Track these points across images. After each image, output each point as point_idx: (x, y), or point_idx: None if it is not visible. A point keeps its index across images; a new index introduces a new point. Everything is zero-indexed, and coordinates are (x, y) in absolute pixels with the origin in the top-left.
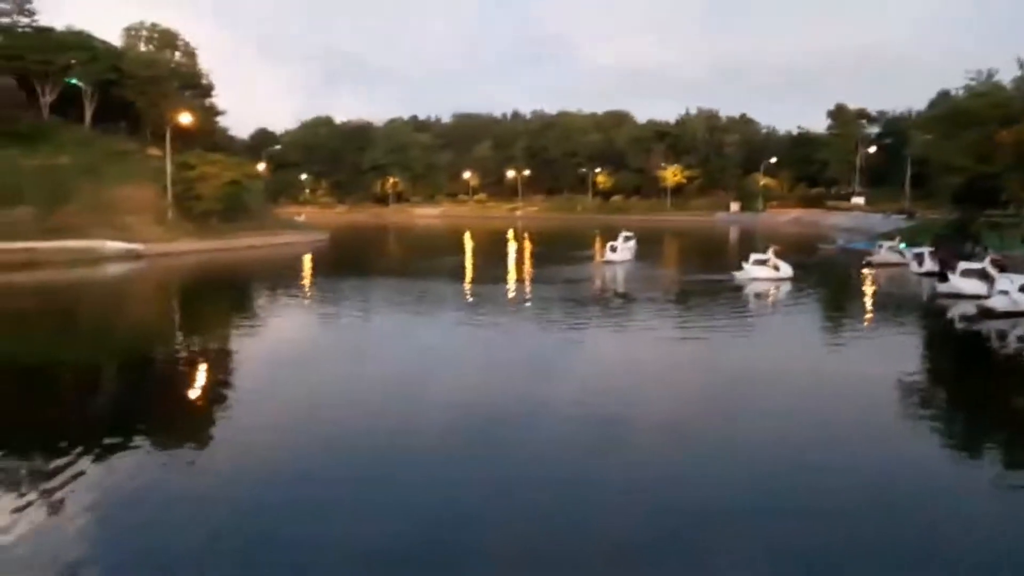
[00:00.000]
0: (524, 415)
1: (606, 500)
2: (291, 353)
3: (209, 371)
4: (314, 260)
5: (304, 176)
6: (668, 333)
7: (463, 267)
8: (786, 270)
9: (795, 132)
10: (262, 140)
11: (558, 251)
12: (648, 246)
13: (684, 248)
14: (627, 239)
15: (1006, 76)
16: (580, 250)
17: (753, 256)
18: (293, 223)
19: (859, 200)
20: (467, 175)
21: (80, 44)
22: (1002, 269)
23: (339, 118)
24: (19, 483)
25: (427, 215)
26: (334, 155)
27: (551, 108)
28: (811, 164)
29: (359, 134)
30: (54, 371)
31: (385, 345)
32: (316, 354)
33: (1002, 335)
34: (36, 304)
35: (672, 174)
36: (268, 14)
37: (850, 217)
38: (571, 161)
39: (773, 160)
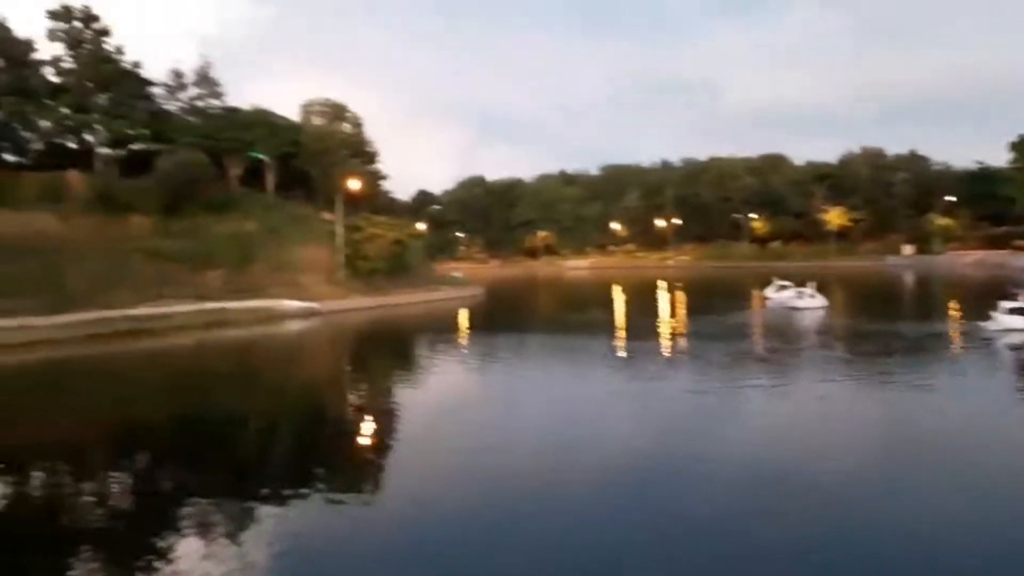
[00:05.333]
0: (681, 472)
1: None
2: (451, 404)
3: (379, 420)
4: (470, 314)
5: (460, 234)
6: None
7: (615, 319)
8: None
9: (973, 167)
10: (422, 201)
11: (715, 300)
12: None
13: (864, 295)
14: (782, 287)
15: None
16: (740, 299)
17: (1006, 303)
18: (451, 279)
19: None
20: (616, 226)
21: (263, 121)
22: None
23: (491, 176)
24: (210, 527)
25: (577, 267)
26: (486, 212)
27: (701, 154)
28: (993, 201)
29: (509, 191)
30: (242, 421)
31: (540, 397)
32: (474, 405)
33: None
34: (227, 360)
35: (835, 217)
36: (427, 81)
37: None
38: (724, 207)
39: (950, 198)
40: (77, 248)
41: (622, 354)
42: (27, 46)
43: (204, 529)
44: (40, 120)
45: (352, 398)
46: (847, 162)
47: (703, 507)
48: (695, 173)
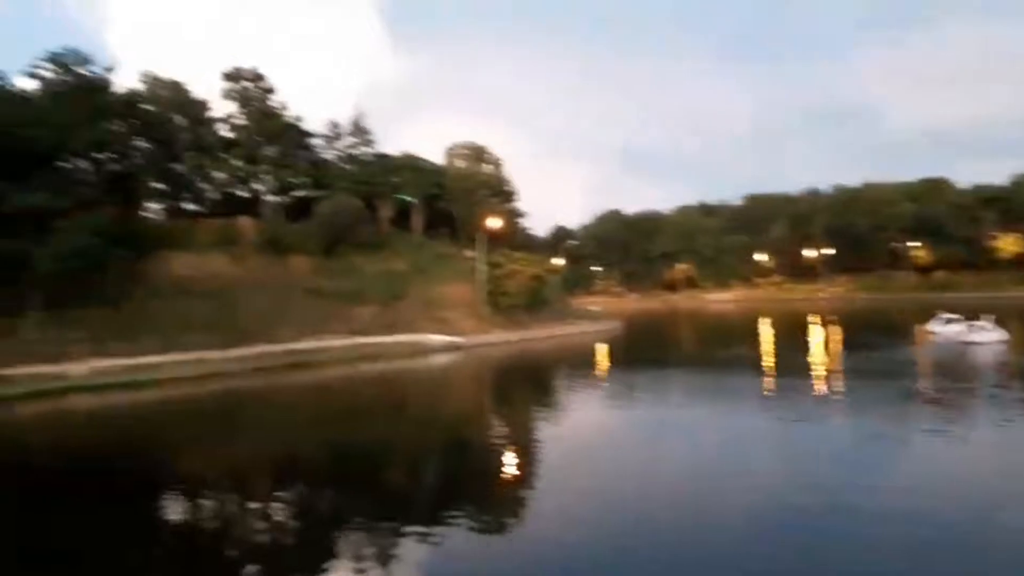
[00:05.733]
0: (831, 527)
1: None
2: (592, 440)
3: (521, 453)
4: (608, 348)
5: (597, 267)
6: None
7: (762, 356)
8: None
9: None
10: (559, 236)
11: (875, 335)
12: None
13: None
14: (949, 321)
15: None
16: (902, 333)
17: None
18: (588, 313)
19: None
20: (761, 257)
21: (410, 166)
22: None
23: (629, 209)
24: (361, 552)
25: (719, 300)
26: (624, 246)
27: (853, 180)
28: None
29: (647, 224)
30: (393, 450)
31: (682, 436)
32: (615, 442)
33: None
34: (378, 391)
35: (1008, 244)
36: (567, 119)
37: None
38: (880, 236)
39: None
40: (247, 287)
41: (771, 393)
42: (203, 106)
43: (356, 553)
44: (216, 172)
45: (494, 430)
46: (1020, 184)
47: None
48: (847, 201)
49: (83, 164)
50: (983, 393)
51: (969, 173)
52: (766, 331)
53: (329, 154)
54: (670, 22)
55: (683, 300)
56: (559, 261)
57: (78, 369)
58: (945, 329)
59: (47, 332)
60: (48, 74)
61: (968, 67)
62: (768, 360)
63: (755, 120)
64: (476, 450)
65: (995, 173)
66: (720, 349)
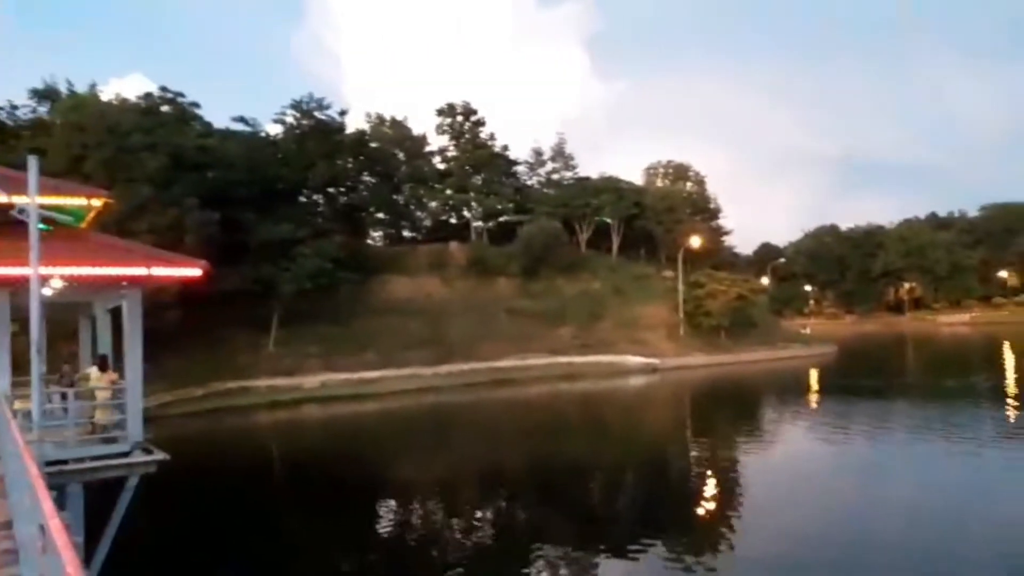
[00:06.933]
0: None
1: None
2: (794, 474)
3: (718, 483)
4: (820, 375)
5: (808, 287)
6: None
7: (1004, 386)
8: None
9: None
10: (765, 254)
11: None
12: None
13: None
14: None
15: None
16: None
17: None
18: (798, 336)
19: None
20: (1003, 274)
21: (609, 187)
22: None
23: (846, 224)
24: (556, 569)
25: (953, 322)
26: (840, 263)
27: None
28: None
29: (868, 239)
30: (588, 469)
31: (901, 478)
32: (820, 478)
33: None
34: (576, 410)
35: None
36: (773, 131)
37: None
38: None
39: None
40: (455, 308)
41: (1011, 431)
42: (421, 141)
43: (552, 570)
44: (430, 201)
45: (690, 457)
46: None
47: None
48: None
49: (318, 198)
50: None
51: None
52: (1009, 358)
53: (532, 180)
54: (907, 17)
55: (909, 322)
56: (765, 280)
57: (310, 382)
58: None
59: (285, 348)
60: (291, 119)
61: None
62: (1011, 392)
63: (994, 123)
64: (671, 475)
65: None
66: (951, 378)
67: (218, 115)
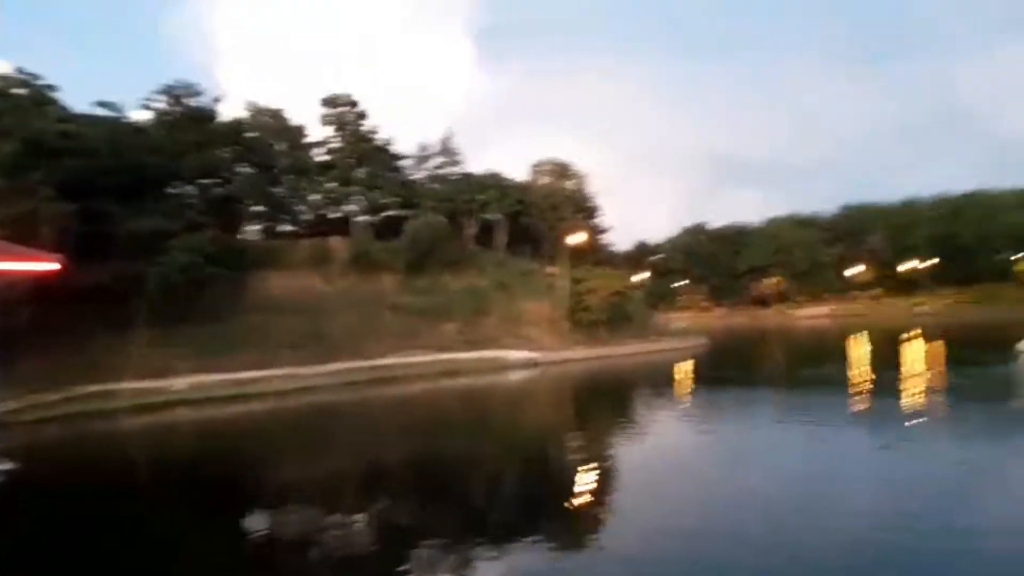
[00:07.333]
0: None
1: None
2: (671, 460)
3: (597, 473)
4: (692, 366)
5: (684, 282)
6: None
7: (855, 374)
8: None
9: None
10: (643, 251)
11: (983, 352)
12: None
13: None
14: None
15: None
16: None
17: None
18: (673, 329)
19: None
20: (858, 270)
21: (494, 184)
22: None
23: (718, 222)
24: (435, 567)
25: (814, 315)
26: (711, 259)
27: (963, 189)
28: None
29: (736, 237)
30: (462, 464)
31: (766, 457)
32: (697, 464)
33: None
34: (457, 406)
35: None
36: (652, 129)
37: None
38: (990, 246)
39: None
40: (338, 304)
41: (862, 415)
42: (301, 131)
43: (430, 570)
44: (311, 195)
45: (566, 448)
46: None
47: None
48: (953, 210)
49: (190, 189)
50: None
51: None
52: (862, 348)
53: (418, 174)
54: (770, 23)
55: (773, 315)
56: (643, 276)
57: (181, 384)
58: None
59: (155, 348)
60: (161, 106)
61: None
62: (862, 379)
63: (852, 128)
64: (549, 468)
65: None
66: (811, 367)
67: (80, 100)
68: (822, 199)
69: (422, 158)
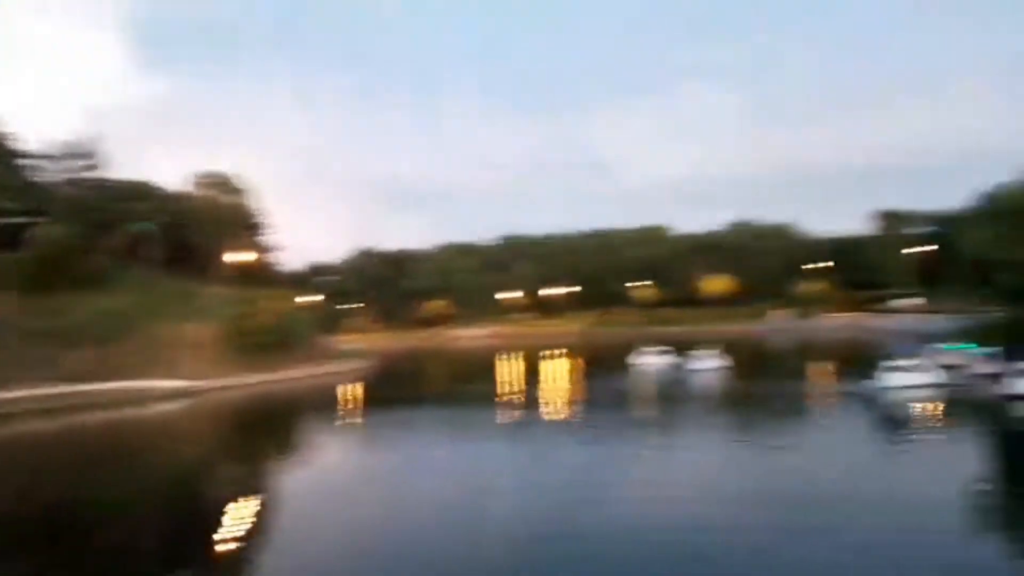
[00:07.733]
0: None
1: None
2: (333, 484)
3: (254, 505)
4: (359, 388)
5: (355, 304)
6: None
7: (506, 389)
8: None
9: (840, 236)
10: (315, 271)
11: (603, 366)
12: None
13: (750, 358)
14: (663, 352)
15: None
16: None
17: (888, 363)
18: (340, 352)
19: (915, 301)
20: (514, 295)
21: (147, 194)
22: None
23: (390, 246)
24: None
25: (474, 336)
26: (381, 282)
27: (597, 226)
28: (859, 268)
29: (404, 261)
30: (101, 509)
31: (425, 474)
32: (360, 484)
33: None
34: (94, 445)
35: (713, 284)
36: (325, 151)
37: (906, 320)
38: (615, 276)
39: (819, 265)
40: None
41: (512, 424)
42: None
43: None
44: None
45: (220, 483)
46: (723, 232)
47: None
48: (588, 244)
49: None
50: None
51: (691, 222)
52: (513, 365)
53: (50, 177)
54: (436, 62)
55: (437, 336)
56: (316, 297)
57: None
58: (654, 360)
59: None
60: None
61: (697, 128)
62: (511, 393)
63: (512, 164)
64: (197, 508)
65: (711, 222)
66: (468, 384)
67: None
68: (483, 227)
69: (57, 158)
